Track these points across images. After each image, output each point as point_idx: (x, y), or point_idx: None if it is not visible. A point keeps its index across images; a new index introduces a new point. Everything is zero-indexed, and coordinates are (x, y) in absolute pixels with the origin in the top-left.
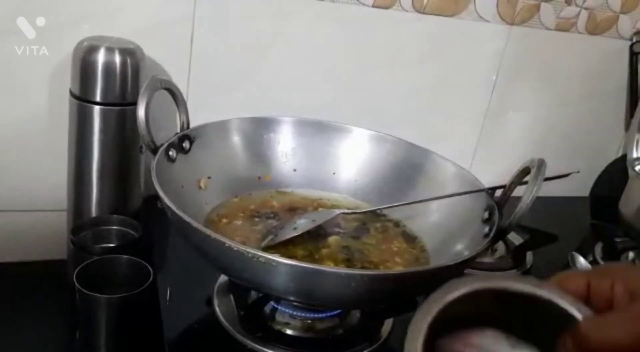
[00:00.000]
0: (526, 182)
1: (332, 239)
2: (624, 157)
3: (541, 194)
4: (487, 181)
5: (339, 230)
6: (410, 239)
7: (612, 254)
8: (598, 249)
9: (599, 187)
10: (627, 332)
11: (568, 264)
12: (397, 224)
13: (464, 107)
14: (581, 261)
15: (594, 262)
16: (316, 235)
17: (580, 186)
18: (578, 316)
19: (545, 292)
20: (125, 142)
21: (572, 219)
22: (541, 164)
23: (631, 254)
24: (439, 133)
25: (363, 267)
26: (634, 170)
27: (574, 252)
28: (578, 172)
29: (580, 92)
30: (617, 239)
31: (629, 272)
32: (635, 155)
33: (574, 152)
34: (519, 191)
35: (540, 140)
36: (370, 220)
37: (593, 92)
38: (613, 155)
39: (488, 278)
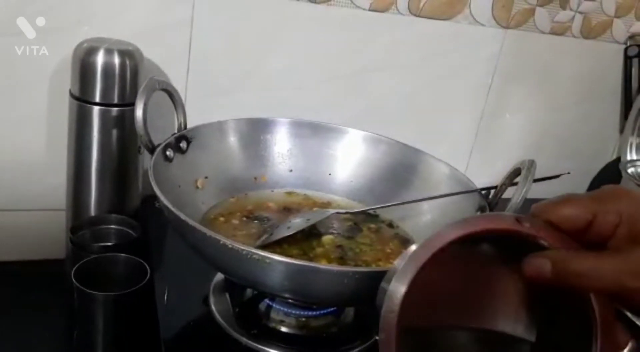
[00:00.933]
0: (517, 183)
1: (326, 239)
2: (618, 160)
3: (536, 195)
4: (483, 183)
5: (333, 230)
6: (403, 239)
7: None
8: None
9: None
10: (615, 278)
11: None
12: (390, 224)
13: (460, 110)
14: None
15: None
16: (310, 234)
17: (575, 188)
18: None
19: (530, 229)
20: (124, 143)
21: None
22: (531, 165)
23: None
24: (435, 135)
25: (357, 266)
26: (627, 172)
27: None
28: (569, 173)
29: (575, 96)
30: None
31: (638, 216)
32: (628, 157)
33: (569, 155)
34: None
35: (536, 143)
36: (363, 220)
37: (588, 95)
38: (608, 157)
39: (476, 221)
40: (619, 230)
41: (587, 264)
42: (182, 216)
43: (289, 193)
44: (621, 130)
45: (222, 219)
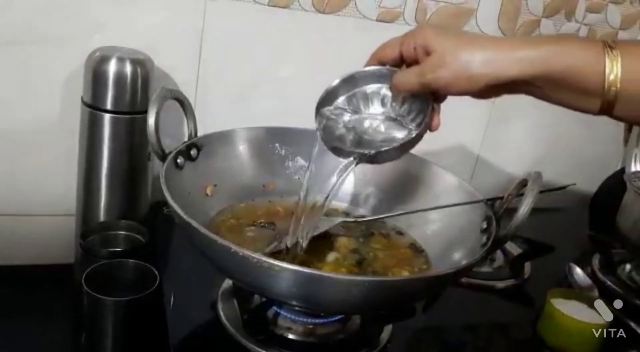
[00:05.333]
0: (523, 194)
1: (342, 240)
2: (623, 170)
3: (542, 205)
4: (489, 191)
5: (340, 238)
6: (414, 248)
7: (609, 265)
8: (595, 260)
9: (598, 200)
10: (416, 80)
11: (565, 275)
12: (399, 232)
13: (466, 119)
14: (578, 271)
15: (591, 274)
16: (321, 241)
17: (580, 198)
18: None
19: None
20: (133, 150)
21: (572, 230)
22: (537, 177)
23: (628, 266)
24: (442, 144)
25: (374, 272)
26: (632, 183)
27: (571, 264)
28: (574, 184)
29: None
30: (614, 251)
31: (424, 33)
32: (633, 169)
33: (573, 164)
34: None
35: (541, 153)
36: (371, 228)
37: None
38: (613, 167)
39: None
40: (417, 50)
41: (401, 77)
42: (194, 223)
43: (297, 200)
44: (626, 142)
45: (232, 221)
